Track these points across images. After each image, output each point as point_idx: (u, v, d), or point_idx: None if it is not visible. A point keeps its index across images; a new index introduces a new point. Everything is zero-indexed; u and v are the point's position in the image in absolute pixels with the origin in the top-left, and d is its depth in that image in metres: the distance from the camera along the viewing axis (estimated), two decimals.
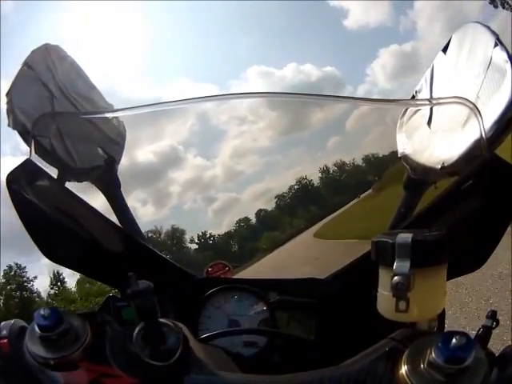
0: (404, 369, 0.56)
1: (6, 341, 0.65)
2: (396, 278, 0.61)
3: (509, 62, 0.86)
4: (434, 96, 1.14)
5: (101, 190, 1.16)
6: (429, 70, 1.18)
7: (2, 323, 0.69)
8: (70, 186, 1.03)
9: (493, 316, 0.76)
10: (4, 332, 0.66)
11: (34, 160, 0.91)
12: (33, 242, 0.93)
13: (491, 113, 0.85)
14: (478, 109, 0.82)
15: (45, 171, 0.93)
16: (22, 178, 0.89)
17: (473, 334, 0.68)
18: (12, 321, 0.69)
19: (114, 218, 1.10)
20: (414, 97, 1.23)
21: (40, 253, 0.93)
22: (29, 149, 0.91)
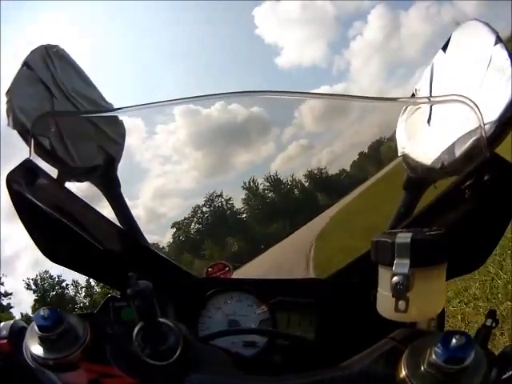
0: (404, 369, 0.57)
1: (5, 341, 0.65)
2: (395, 277, 0.61)
3: (509, 59, 0.86)
4: (434, 94, 1.13)
5: (100, 189, 1.16)
6: (429, 69, 1.17)
7: (2, 323, 0.69)
8: (70, 185, 1.03)
9: (492, 316, 0.76)
10: (4, 332, 0.66)
11: (33, 160, 0.91)
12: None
13: (491, 111, 0.85)
14: (478, 107, 0.82)
15: (44, 171, 0.93)
16: (22, 178, 0.89)
17: (472, 333, 0.68)
18: (12, 321, 0.69)
19: (113, 217, 1.10)
20: (413, 95, 1.22)
21: None
22: (28, 148, 0.91)
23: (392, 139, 1.26)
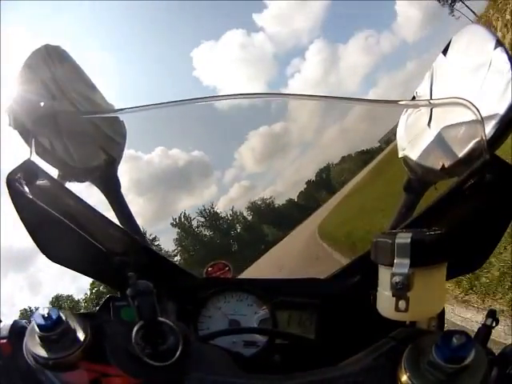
0: (404, 368, 0.57)
1: (6, 341, 0.65)
2: (395, 277, 0.61)
3: (509, 63, 0.86)
4: (434, 97, 1.14)
5: (101, 189, 1.16)
6: (429, 72, 1.18)
7: (2, 323, 0.69)
8: (70, 185, 1.03)
9: (492, 315, 0.76)
10: (4, 332, 0.66)
11: (34, 160, 0.91)
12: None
13: (491, 114, 0.85)
14: (478, 110, 0.82)
15: (45, 171, 0.93)
16: (22, 178, 0.89)
17: (472, 333, 0.68)
18: (12, 321, 0.69)
19: (114, 217, 1.10)
20: (414, 98, 1.23)
21: None
22: (29, 149, 0.91)
23: (393, 141, 1.27)
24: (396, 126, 1.25)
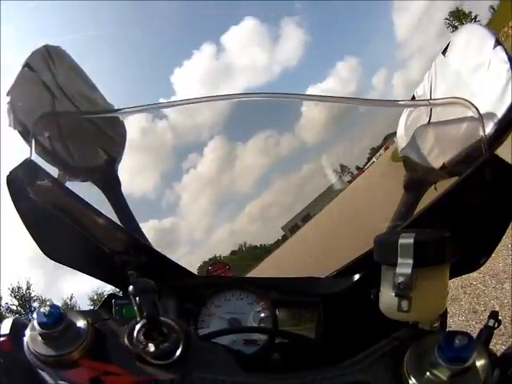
0: (406, 368, 0.57)
1: (6, 338, 0.65)
2: (399, 277, 0.61)
3: (508, 62, 0.86)
4: (434, 97, 1.14)
5: (101, 189, 1.16)
6: (429, 72, 1.18)
7: (3, 321, 0.69)
8: (71, 185, 1.03)
9: (494, 316, 0.76)
10: (4, 330, 0.66)
11: (34, 160, 0.91)
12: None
13: (491, 113, 0.85)
14: (477, 109, 0.82)
15: (45, 171, 0.93)
16: (23, 178, 0.89)
17: (475, 334, 0.68)
18: (12, 318, 0.68)
19: (114, 217, 1.10)
20: (414, 98, 1.23)
21: None
22: (29, 149, 0.91)
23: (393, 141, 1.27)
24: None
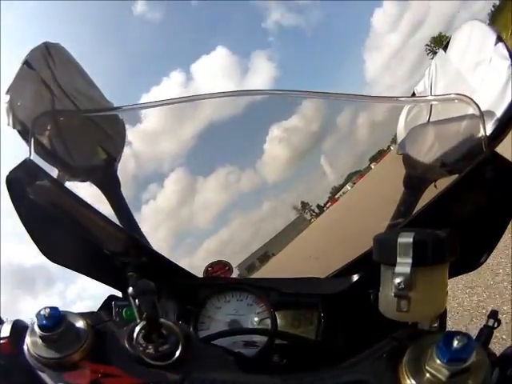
0: (405, 368, 0.56)
1: (6, 340, 0.65)
2: (398, 277, 0.61)
3: (509, 59, 0.86)
4: (435, 94, 1.14)
5: (100, 189, 1.16)
6: (429, 68, 1.17)
7: (3, 323, 0.69)
8: (70, 185, 1.03)
9: (494, 316, 0.76)
10: (5, 332, 0.66)
11: (33, 159, 0.91)
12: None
13: (492, 110, 0.85)
14: (478, 106, 0.82)
15: (44, 171, 0.93)
16: (22, 178, 0.88)
17: (474, 334, 0.68)
18: (13, 321, 0.69)
19: (113, 217, 1.10)
20: (414, 94, 1.23)
21: None
22: (28, 148, 0.91)
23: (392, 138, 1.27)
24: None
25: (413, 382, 0.55)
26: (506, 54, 0.87)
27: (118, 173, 1.20)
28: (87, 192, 1.12)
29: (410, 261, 0.61)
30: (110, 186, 1.16)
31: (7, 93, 1.01)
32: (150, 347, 0.64)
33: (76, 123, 1.14)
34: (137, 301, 0.65)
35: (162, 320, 0.66)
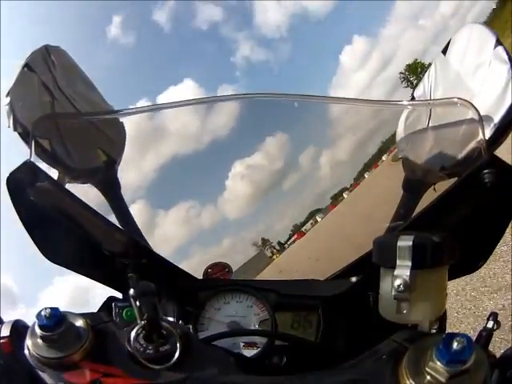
0: (405, 370, 0.56)
1: (6, 340, 0.65)
2: (397, 279, 0.61)
3: (509, 63, 0.86)
4: (434, 97, 1.14)
5: (101, 191, 1.16)
6: (428, 72, 1.18)
7: (4, 323, 0.69)
8: (70, 187, 1.03)
9: (494, 318, 0.76)
10: (5, 332, 0.66)
11: (34, 161, 0.91)
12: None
13: (491, 113, 0.85)
14: (477, 110, 0.82)
15: (45, 172, 0.93)
16: (23, 180, 0.89)
17: (474, 335, 0.68)
18: (13, 320, 0.69)
19: (113, 219, 1.10)
20: (413, 98, 1.23)
21: None
22: (29, 150, 0.91)
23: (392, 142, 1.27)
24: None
25: (412, 383, 0.55)
26: (506, 57, 0.87)
27: (118, 175, 1.20)
28: (87, 194, 1.12)
29: (409, 263, 0.61)
30: (110, 188, 1.17)
31: (8, 95, 1.01)
32: (150, 348, 0.64)
33: (76, 126, 1.14)
34: (137, 302, 0.65)
35: (162, 321, 0.66)
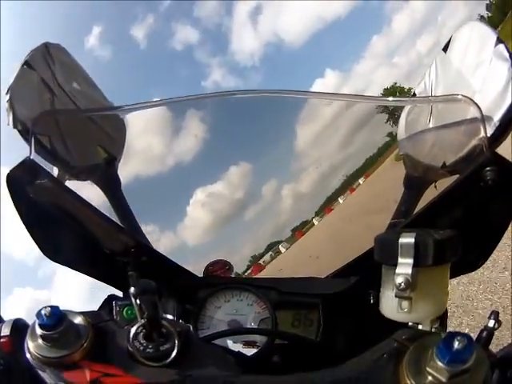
0: (405, 369, 0.56)
1: (7, 339, 0.65)
2: (399, 277, 0.61)
3: (509, 60, 0.86)
4: (435, 94, 1.14)
5: (101, 188, 1.16)
6: (429, 69, 1.17)
7: (4, 322, 0.69)
8: (71, 184, 1.03)
9: (495, 317, 0.76)
10: (5, 331, 0.66)
11: (34, 159, 0.91)
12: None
13: (492, 111, 0.85)
14: (479, 107, 0.82)
15: (45, 170, 0.92)
16: (22, 177, 0.88)
17: (474, 335, 0.68)
18: (13, 319, 0.69)
19: (114, 216, 1.10)
20: (414, 95, 1.23)
21: None
22: (29, 147, 0.91)
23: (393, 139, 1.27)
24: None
25: (413, 382, 0.55)
26: (507, 55, 0.87)
27: (119, 172, 1.20)
28: (88, 191, 1.12)
29: (411, 261, 0.61)
30: (111, 186, 1.17)
31: (7, 93, 1.01)
32: (150, 346, 0.64)
33: (76, 123, 1.14)
34: (138, 300, 0.65)
35: (162, 319, 0.66)
